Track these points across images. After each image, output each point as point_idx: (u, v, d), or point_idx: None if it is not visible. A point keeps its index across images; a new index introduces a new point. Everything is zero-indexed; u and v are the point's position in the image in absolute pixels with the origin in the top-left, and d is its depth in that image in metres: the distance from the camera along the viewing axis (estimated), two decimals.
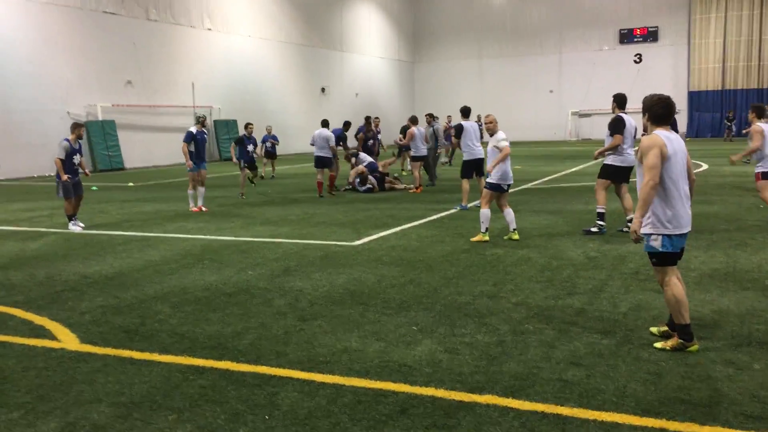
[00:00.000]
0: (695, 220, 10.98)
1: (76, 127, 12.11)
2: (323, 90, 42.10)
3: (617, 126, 9.82)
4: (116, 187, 20.86)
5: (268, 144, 23.06)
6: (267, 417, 4.07)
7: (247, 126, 18.64)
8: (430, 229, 10.95)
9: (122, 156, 28.48)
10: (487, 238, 9.66)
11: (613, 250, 8.78)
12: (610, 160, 10.12)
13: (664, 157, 4.99)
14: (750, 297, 6.37)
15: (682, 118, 44.76)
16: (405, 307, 6.36)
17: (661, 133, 5.09)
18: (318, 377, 4.67)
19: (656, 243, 5.07)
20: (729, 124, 40.05)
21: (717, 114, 43.76)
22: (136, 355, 5.26)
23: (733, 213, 11.64)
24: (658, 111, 5.21)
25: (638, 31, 46.35)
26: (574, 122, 47.65)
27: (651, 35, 46.11)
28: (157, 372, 4.87)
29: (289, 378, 4.68)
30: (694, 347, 4.97)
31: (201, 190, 14.20)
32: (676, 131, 6.01)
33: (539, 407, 4.09)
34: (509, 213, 9.79)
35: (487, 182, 9.87)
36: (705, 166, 21.77)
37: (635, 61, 46.67)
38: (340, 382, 4.57)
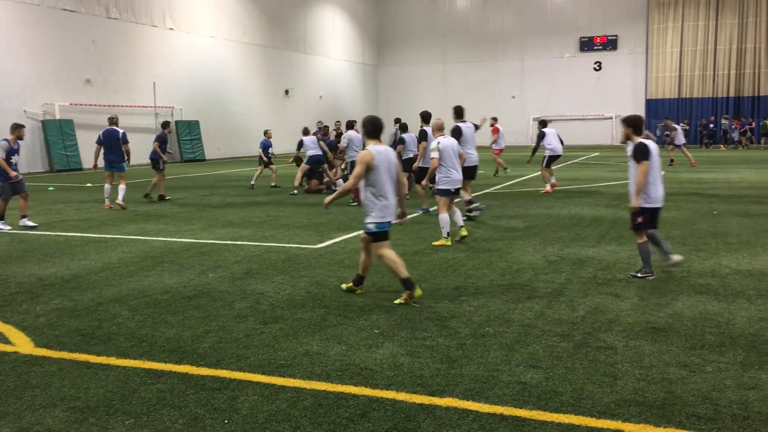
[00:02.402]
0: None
1: (16, 127, 12.09)
2: (287, 92, 41.90)
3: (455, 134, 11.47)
4: (73, 187, 20.45)
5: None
6: (226, 421, 4.03)
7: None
8: (392, 233, 10.94)
9: (80, 156, 27.93)
10: (449, 242, 9.74)
11: (572, 254, 8.92)
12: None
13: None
14: (703, 301, 6.53)
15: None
16: (367, 311, 6.37)
17: None
18: (279, 381, 4.65)
19: (372, 226, 6.75)
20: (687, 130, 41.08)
21: (675, 121, 44.64)
22: (93, 358, 5.17)
23: (688, 218, 11.92)
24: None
25: (598, 40, 47.18)
26: (535, 128, 48.23)
27: (611, 43, 46.96)
28: (115, 376, 4.80)
29: (249, 382, 4.64)
30: (418, 292, 6.56)
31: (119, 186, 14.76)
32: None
33: (498, 410, 4.13)
34: (455, 212, 10.15)
35: (436, 189, 9.98)
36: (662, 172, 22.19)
37: (595, 69, 47.48)
38: (301, 385, 4.56)
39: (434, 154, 9.85)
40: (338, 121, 27.89)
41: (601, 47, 47.20)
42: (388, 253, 6.76)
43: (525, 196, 16.10)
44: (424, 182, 11.39)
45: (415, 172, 13.71)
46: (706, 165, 25.66)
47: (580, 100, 46.65)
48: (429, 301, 6.65)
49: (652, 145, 7.39)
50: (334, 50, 47.23)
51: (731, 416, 3.99)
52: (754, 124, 41.52)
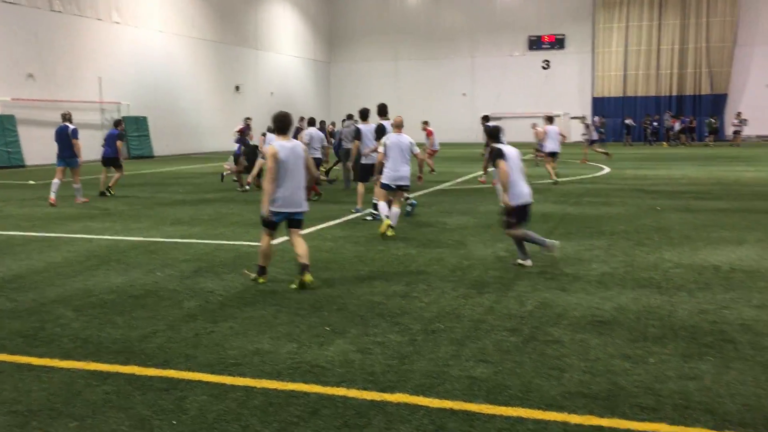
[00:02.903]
0: (597, 221, 11.49)
1: None
2: (237, 88, 41.42)
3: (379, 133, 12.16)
4: (16, 185, 19.83)
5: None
6: (174, 422, 3.98)
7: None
8: (344, 230, 10.97)
9: (22, 153, 27.11)
10: (389, 222, 10.01)
11: None
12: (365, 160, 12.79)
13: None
14: (646, 294, 6.71)
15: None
16: (318, 308, 6.36)
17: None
18: (228, 380, 4.61)
19: (265, 212, 7.16)
20: (630, 126, 42.24)
21: (619, 119, 45.79)
22: (35, 361, 5.03)
23: (632, 214, 12.22)
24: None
25: (546, 39, 47.97)
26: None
27: (558, 43, 47.79)
28: (58, 378, 4.68)
29: (198, 381, 4.59)
30: (261, 280, 7.27)
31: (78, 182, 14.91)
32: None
33: (448, 404, 4.17)
34: (395, 210, 10.35)
35: (381, 182, 10.64)
36: (607, 169, 22.75)
37: (543, 67, 48.26)
38: (251, 384, 4.52)
39: (380, 149, 10.53)
40: (302, 117, 27.84)
41: (549, 46, 48.00)
42: (263, 241, 7.33)
43: (476, 193, 16.28)
44: (375, 177, 11.53)
45: (357, 168, 13.61)
46: (651, 162, 26.36)
47: (530, 98, 47.34)
48: (381, 297, 6.68)
49: (507, 148, 8.08)
50: (286, 46, 46.89)
51: (672, 406, 4.12)
52: (695, 123, 42.82)
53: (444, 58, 50.12)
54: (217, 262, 8.48)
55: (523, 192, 8.03)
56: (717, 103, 44.67)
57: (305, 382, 4.55)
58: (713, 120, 41.30)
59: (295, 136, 19.18)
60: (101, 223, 11.90)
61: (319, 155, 15.74)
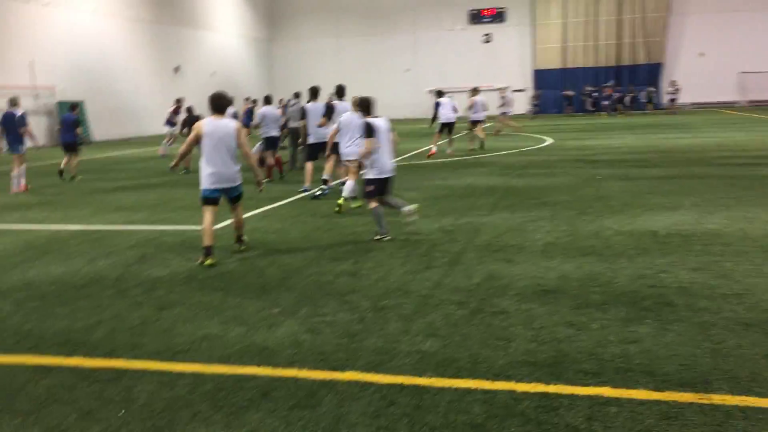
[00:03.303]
0: (541, 192, 11.68)
1: None
2: (177, 69, 40.48)
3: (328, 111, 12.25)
4: None
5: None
6: (122, 412, 3.92)
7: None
8: (292, 210, 10.90)
9: None
10: (359, 203, 10.42)
11: (467, 224, 9.16)
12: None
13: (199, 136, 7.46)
14: (589, 262, 6.89)
15: (527, 96, 47.18)
16: (267, 290, 6.33)
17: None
18: (177, 367, 4.56)
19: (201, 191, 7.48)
20: (570, 98, 43.06)
21: (559, 91, 46.54)
22: None
23: (574, 184, 12.48)
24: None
25: (487, 12, 48.22)
26: (430, 100, 48.89)
27: (499, 16, 48.13)
28: None
29: (145, 370, 4.53)
30: (208, 261, 7.27)
31: (19, 169, 14.65)
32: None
33: (399, 379, 4.22)
34: (348, 182, 10.60)
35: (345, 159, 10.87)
36: (550, 141, 23.13)
37: (485, 41, 48.56)
38: (200, 370, 4.49)
39: (334, 126, 10.86)
40: (249, 98, 27.67)
41: (489, 20, 48.30)
42: (206, 219, 7.47)
43: (422, 169, 16.35)
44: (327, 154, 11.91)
45: (303, 147, 13.57)
46: (591, 132, 26.89)
47: (472, 72, 47.55)
48: (329, 276, 6.68)
49: (377, 122, 8.35)
50: (225, 25, 45.98)
51: (614, 369, 4.25)
52: (635, 92, 43.83)
53: (386, 34, 49.93)
54: (163, 248, 8.34)
55: (385, 166, 8.35)
56: (653, 72, 45.78)
57: (255, 364, 4.54)
58: (652, 89, 42.42)
59: (251, 115, 18.90)
60: (40, 213, 11.55)
61: (274, 133, 15.39)
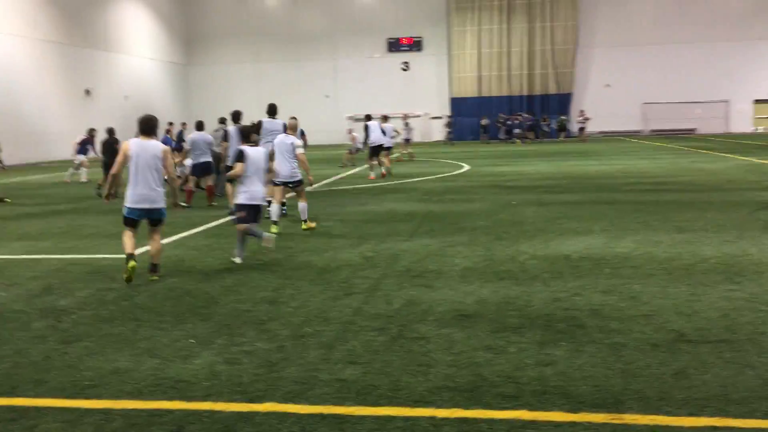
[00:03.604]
0: (459, 217, 11.86)
1: None
2: (88, 92, 39.19)
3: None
4: None
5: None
6: None
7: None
8: (208, 238, 10.66)
9: None
10: (275, 231, 10.30)
11: (387, 249, 9.19)
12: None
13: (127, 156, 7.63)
14: (506, 286, 7.02)
15: (442, 124, 48.26)
16: (182, 320, 6.13)
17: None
18: (84, 403, 4.33)
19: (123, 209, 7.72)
20: (486, 126, 44.29)
21: (476, 119, 47.79)
22: None
23: (490, 209, 12.76)
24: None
25: (405, 41, 49.15)
26: (349, 126, 49.21)
27: (416, 45, 49.15)
28: None
29: (49, 408, 4.27)
30: (131, 263, 7.37)
31: None
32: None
33: (318, 409, 4.15)
34: (302, 205, 11.00)
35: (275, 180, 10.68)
36: (467, 167, 23.62)
37: (403, 69, 49.40)
38: (109, 406, 4.28)
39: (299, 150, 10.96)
40: (184, 123, 27.25)
41: (407, 48, 49.25)
42: (126, 240, 7.62)
43: (342, 195, 16.36)
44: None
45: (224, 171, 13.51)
46: (506, 159, 27.66)
47: (391, 99, 48.25)
48: (248, 305, 6.54)
49: (251, 150, 8.68)
50: (139, 48, 44.94)
51: (531, 392, 4.32)
52: (548, 121, 45.51)
53: (306, 60, 50.06)
54: (70, 278, 7.97)
55: (256, 193, 8.65)
56: (563, 102, 47.69)
57: (169, 399, 4.37)
58: (563, 118, 44.23)
59: (181, 141, 18.42)
60: None
61: (207, 159, 14.92)
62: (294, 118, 11.89)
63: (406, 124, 29.04)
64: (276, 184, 10.80)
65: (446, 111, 48.74)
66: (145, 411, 4.19)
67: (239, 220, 8.59)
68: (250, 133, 9.15)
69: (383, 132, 20.62)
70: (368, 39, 49.46)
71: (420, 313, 6.15)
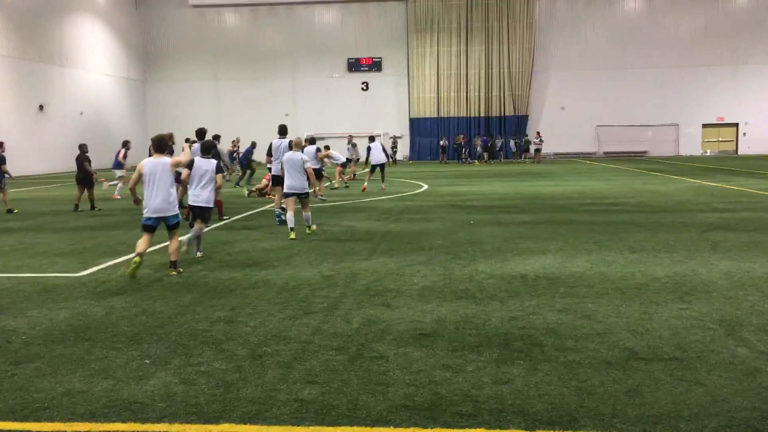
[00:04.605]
0: (417, 237, 11.91)
1: None
2: (41, 107, 38.40)
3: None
4: None
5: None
6: None
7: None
8: (165, 255, 10.49)
9: None
10: (293, 235, 11.81)
11: (346, 268, 9.19)
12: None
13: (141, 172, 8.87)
14: (463, 305, 7.08)
15: (404, 143, 48.67)
16: (137, 340, 6.02)
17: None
18: (34, 426, 4.22)
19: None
20: (445, 147, 44.74)
21: (435, 139, 48.25)
22: None
23: (449, 229, 12.87)
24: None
25: (364, 61, 49.47)
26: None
27: (376, 65, 49.49)
28: None
29: None
30: (135, 260, 8.56)
31: None
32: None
33: (276, 429, 4.12)
34: (306, 215, 12.38)
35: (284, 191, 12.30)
36: (425, 187, 23.80)
37: (362, 89, 49.68)
38: (61, 429, 4.18)
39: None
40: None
41: (367, 68, 49.54)
42: (140, 240, 8.83)
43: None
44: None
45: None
46: (464, 179, 27.96)
47: (351, 118, 48.44)
48: (205, 324, 6.46)
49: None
50: (95, 64, 44.25)
51: (489, 411, 4.37)
52: (501, 141, 46.20)
53: (265, 79, 49.96)
54: (21, 297, 7.77)
55: (195, 198, 10.11)
56: (520, 123, 48.49)
57: (123, 420, 4.28)
58: (515, 140, 45.02)
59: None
60: None
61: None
62: (284, 126, 14.47)
63: (353, 146, 28.96)
64: (288, 195, 12.10)
65: (405, 131, 49.12)
66: None
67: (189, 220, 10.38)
68: (209, 149, 10.52)
69: (384, 151, 23.13)
70: (328, 58, 49.64)
71: (379, 332, 6.16)
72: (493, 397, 4.57)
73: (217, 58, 50.05)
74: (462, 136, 44.98)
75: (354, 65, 49.55)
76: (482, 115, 48.96)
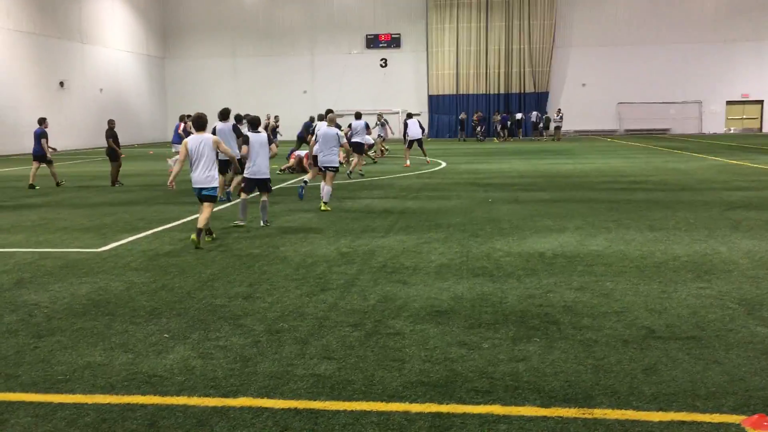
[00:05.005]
0: (435, 214, 11.89)
1: None
2: (62, 84, 38.66)
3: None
4: None
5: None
6: None
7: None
8: (184, 232, 10.59)
9: None
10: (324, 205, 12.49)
11: (363, 245, 9.21)
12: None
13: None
14: (480, 283, 7.08)
15: (423, 120, 48.43)
16: (156, 315, 6.10)
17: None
18: (56, 398, 4.30)
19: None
20: (464, 122, 44.44)
21: (453, 116, 47.94)
22: None
23: (466, 207, 12.83)
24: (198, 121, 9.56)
25: (383, 38, 49.12)
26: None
27: (395, 42, 49.12)
28: None
29: (21, 402, 4.24)
30: (192, 236, 9.20)
31: None
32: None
33: (293, 404, 4.16)
34: (327, 188, 12.66)
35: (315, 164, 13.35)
36: (444, 164, 23.71)
37: (381, 66, 49.39)
38: (82, 401, 4.25)
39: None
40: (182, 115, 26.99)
41: (386, 45, 49.20)
42: (201, 211, 9.56)
43: (318, 190, 16.30)
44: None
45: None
46: (483, 157, 27.80)
47: (369, 95, 48.22)
48: (223, 300, 6.52)
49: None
50: (115, 40, 44.38)
51: (504, 387, 4.37)
52: (522, 117, 45.69)
53: (284, 55, 49.82)
54: (42, 272, 7.88)
55: (259, 168, 10.86)
56: (540, 100, 47.99)
57: (142, 393, 4.35)
58: (537, 116, 44.43)
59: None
60: None
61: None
62: (331, 110, 14.25)
63: (383, 124, 28.89)
64: (320, 169, 12.89)
65: (424, 108, 48.80)
66: (117, 406, 4.17)
67: (243, 189, 11.24)
68: (256, 124, 11.23)
69: (421, 126, 23.84)
70: (346, 35, 49.34)
71: (395, 309, 6.18)
72: (509, 374, 4.58)
73: (235, 35, 49.97)
74: (479, 113, 44.67)
75: (372, 42, 49.22)
76: (502, 91, 48.52)
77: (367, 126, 20.34)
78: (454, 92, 48.87)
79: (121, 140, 19.41)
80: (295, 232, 10.35)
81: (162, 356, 5.03)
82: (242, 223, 10.85)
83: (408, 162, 23.35)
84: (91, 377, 4.64)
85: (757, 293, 6.50)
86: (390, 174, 19.25)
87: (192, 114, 14.34)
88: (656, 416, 3.94)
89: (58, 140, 37.97)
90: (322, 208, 12.50)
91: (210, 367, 4.80)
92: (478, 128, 43.47)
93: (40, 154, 18.02)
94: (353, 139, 19.29)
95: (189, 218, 11.93)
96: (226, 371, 4.72)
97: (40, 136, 17.99)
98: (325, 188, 12.66)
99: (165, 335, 5.52)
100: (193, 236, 9.17)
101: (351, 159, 20.11)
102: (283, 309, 6.22)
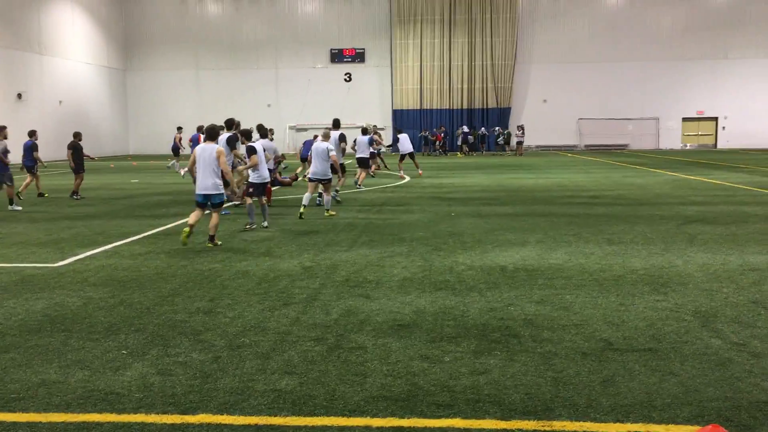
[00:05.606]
0: (398, 228, 11.93)
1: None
2: (20, 96, 37.89)
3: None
4: None
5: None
6: None
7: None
8: (144, 246, 10.44)
9: None
10: (302, 210, 13.33)
11: (326, 259, 9.19)
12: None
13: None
14: (442, 296, 7.12)
15: (388, 134, 48.67)
16: (114, 331, 5.99)
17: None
18: (9, 417, 4.19)
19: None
20: (427, 138, 44.77)
21: (417, 131, 48.23)
22: None
23: (430, 220, 12.90)
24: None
25: (347, 52, 49.28)
26: (291, 136, 48.99)
27: (359, 56, 49.31)
28: None
29: None
30: (186, 230, 10.04)
31: None
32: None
33: (253, 420, 4.13)
34: (326, 197, 14.02)
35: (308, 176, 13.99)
36: (407, 179, 23.82)
37: (345, 80, 49.51)
38: (36, 419, 4.16)
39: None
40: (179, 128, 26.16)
41: (350, 59, 49.34)
42: (192, 214, 10.32)
43: (282, 204, 16.26)
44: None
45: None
46: (446, 171, 28.01)
47: (333, 109, 47.95)
48: (183, 315, 6.44)
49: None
50: (75, 52, 43.68)
51: (465, 401, 4.40)
52: (484, 132, 46.20)
53: (248, 69, 49.61)
54: None
55: (261, 173, 12.10)
56: (502, 116, 48.59)
57: (98, 411, 4.27)
58: (500, 131, 44.95)
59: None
60: None
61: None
62: (327, 129, 14.99)
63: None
64: (312, 180, 13.71)
65: (388, 123, 49.00)
66: (73, 424, 4.09)
67: (248, 194, 12.27)
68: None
69: (411, 142, 25.37)
70: (311, 49, 49.37)
71: (358, 323, 6.18)
72: (470, 388, 4.61)
73: (198, 47, 49.62)
74: (441, 128, 45.15)
75: (337, 56, 49.34)
76: (465, 107, 48.99)
77: (371, 141, 21.08)
78: (418, 107, 49.19)
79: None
80: (257, 247, 10.28)
81: (119, 373, 4.95)
82: (254, 227, 11.78)
83: (402, 173, 24.80)
84: (46, 395, 4.54)
85: (711, 305, 6.65)
86: (355, 188, 19.25)
87: (202, 124, 15.26)
88: (613, 428, 4.01)
89: (15, 153, 37.13)
90: (326, 214, 13.68)
91: (169, 383, 4.74)
92: (438, 143, 43.98)
93: (30, 166, 17.93)
94: (357, 155, 20.40)
95: (149, 232, 11.78)
96: (186, 388, 4.66)
97: (31, 148, 17.81)
98: (325, 198, 14.09)
99: (123, 351, 5.42)
100: (208, 243, 10.17)
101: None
102: (244, 324, 6.17)
